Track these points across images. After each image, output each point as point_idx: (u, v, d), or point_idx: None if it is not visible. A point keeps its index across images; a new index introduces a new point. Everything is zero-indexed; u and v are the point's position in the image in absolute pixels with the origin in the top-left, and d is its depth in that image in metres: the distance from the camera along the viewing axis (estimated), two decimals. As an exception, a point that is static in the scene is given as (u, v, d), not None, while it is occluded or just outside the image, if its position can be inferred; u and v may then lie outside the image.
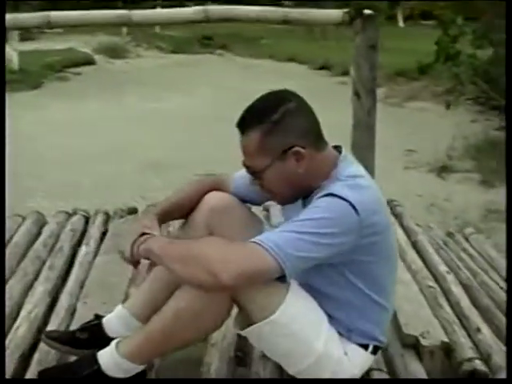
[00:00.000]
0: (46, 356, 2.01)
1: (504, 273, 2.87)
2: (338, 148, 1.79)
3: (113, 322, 1.97)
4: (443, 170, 5.73)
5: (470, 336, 2.20)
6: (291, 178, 1.69)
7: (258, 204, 2.10)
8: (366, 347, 1.80)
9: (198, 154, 5.90)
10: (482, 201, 4.93)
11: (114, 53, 11.06)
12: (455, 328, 2.22)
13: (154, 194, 4.72)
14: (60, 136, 6.52)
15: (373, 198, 1.67)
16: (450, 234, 3.41)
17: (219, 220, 1.88)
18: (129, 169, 5.55)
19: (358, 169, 1.73)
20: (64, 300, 2.38)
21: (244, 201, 1.98)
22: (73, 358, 1.95)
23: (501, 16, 6.35)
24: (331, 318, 1.76)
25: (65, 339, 1.95)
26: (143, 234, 1.77)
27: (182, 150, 6.07)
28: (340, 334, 1.76)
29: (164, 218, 1.94)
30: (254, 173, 1.72)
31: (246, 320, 1.71)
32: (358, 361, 1.78)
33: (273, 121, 1.65)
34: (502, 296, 2.57)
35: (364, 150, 3.10)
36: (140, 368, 1.77)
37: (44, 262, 2.72)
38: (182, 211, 1.97)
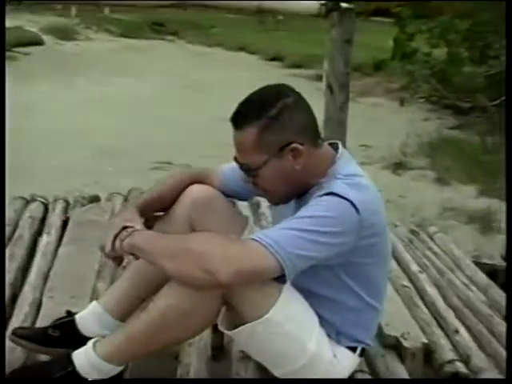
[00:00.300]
0: (10, 354, 1.87)
1: (468, 272, 2.89)
2: (334, 145, 1.73)
3: (87, 319, 1.86)
4: (398, 167, 5.77)
5: (448, 337, 2.19)
6: (287, 175, 1.62)
7: (245, 199, 2.03)
8: (354, 349, 1.76)
9: (149, 140, 5.76)
10: (438, 198, 4.98)
11: (63, 34, 10.71)
12: (433, 329, 2.21)
13: (106, 179, 4.64)
14: (8, 118, 6.24)
15: (372, 197, 1.63)
16: (413, 232, 3.41)
17: (201, 213, 1.80)
18: (80, 154, 5.36)
19: (356, 167, 1.69)
20: (27, 293, 2.24)
21: (230, 195, 1.91)
22: (42, 357, 1.85)
23: (458, 16, 6.47)
24: (322, 321, 1.70)
25: (34, 337, 1.84)
26: (125, 227, 1.67)
27: (133, 136, 5.91)
28: (329, 336, 1.72)
29: (145, 211, 1.84)
30: (249, 170, 1.64)
31: (234, 320, 1.64)
32: (346, 363, 1.75)
33: (271, 116, 1.58)
34: (470, 295, 2.59)
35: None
36: (118, 370, 1.68)
37: (3, 251, 2.57)
38: (163, 204, 1.88)
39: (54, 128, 6.04)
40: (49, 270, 2.42)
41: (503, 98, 6.51)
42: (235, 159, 1.68)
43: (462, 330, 2.23)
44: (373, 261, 1.67)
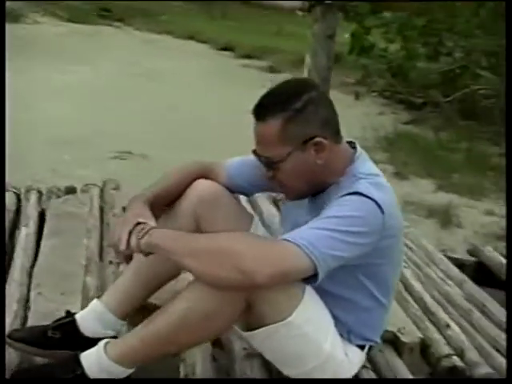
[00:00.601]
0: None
1: (442, 266, 2.95)
2: (351, 143, 1.73)
3: (88, 319, 1.79)
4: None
5: (440, 331, 2.23)
6: (308, 170, 1.60)
7: (249, 195, 2.01)
8: (362, 347, 1.77)
9: (105, 129, 5.62)
10: (397, 192, 5.03)
11: (9, 17, 10.32)
12: (427, 324, 2.25)
13: (63, 168, 4.51)
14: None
15: (392, 198, 1.63)
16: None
17: (207, 209, 1.77)
18: (34, 142, 5.18)
19: (374, 166, 1.68)
20: (14, 290, 2.14)
21: (235, 191, 1.87)
22: (38, 359, 1.77)
23: (415, 13, 6.59)
24: (336, 320, 1.70)
25: (32, 339, 1.75)
26: (138, 223, 1.62)
27: (89, 125, 5.73)
28: (341, 335, 1.71)
29: (152, 206, 1.78)
30: (270, 163, 1.61)
31: (251, 320, 1.60)
32: (356, 360, 1.75)
33: (296, 108, 1.56)
34: (449, 290, 2.64)
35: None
36: (128, 372, 1.62)
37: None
38: (169, 198, 1.83)
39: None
40: (32, 265, 2.33)
41: (457, 93, 6.71)
42: (254, 152, 1.64)
43: (453, 325, 2.27)
44: (387, 261, 1.66)
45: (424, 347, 2.12)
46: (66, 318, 1.81)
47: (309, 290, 1.61)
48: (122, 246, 1.58)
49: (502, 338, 2.23)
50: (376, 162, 1.68)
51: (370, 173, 1.62)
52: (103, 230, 2.68)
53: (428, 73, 6.93)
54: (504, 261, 3.05)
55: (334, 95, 7.86)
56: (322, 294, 1.67)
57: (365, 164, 1.66)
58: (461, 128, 6.64)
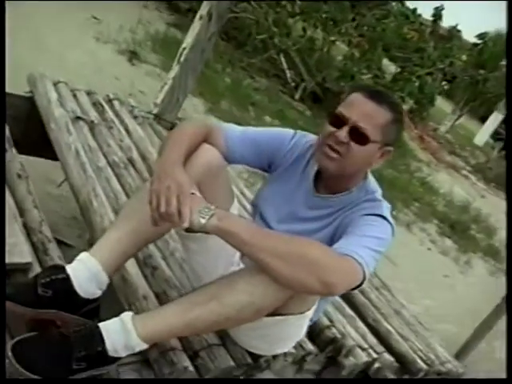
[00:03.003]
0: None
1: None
2: None
3: (83, 278, 1.55)
4: (133, 57, 5.67)
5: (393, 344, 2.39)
6: (364, 162, 1.71)
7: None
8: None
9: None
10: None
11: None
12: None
13: None
14: None
15: None
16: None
17: (210, 178, 1.69)
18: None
19: (376, 183, 1.82)
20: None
21: (228, 161, 1.81)
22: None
23: None
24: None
25: (22, 298, 1.48)
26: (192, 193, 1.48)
27: None
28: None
29: None
30: (359, 135, 1.65)
31: (275, 311, 1.59)
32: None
33: (399, 119, 1.72)
34: (375, 295, 2.73)
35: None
36: (145, 347, 1.49)
37: None
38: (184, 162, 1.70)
39: None
40: None
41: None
42: (347, 120, 1.65)
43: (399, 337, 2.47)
44: None
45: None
46: (56, 272, 1.60)
47: None
48: (185, 224, 1.44)
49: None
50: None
51: (376, 190, 1.77)
52: None
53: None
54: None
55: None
56: None
57: (371, 180, 1.80)
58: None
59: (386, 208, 1.72)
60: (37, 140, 2.51)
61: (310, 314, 1.71)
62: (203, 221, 1.44)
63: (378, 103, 1.67)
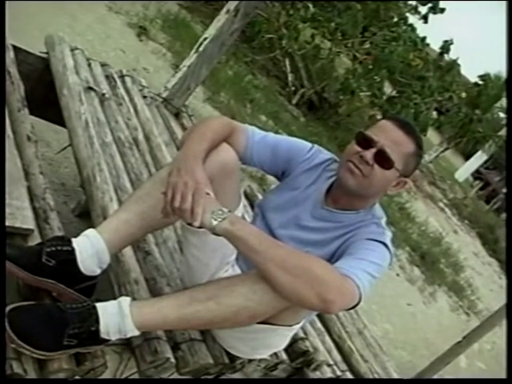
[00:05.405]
0: None
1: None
2: None
3: (88, 255, 1.56)
4: (143, 33, 5.65)
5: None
6: (380, 186, 1.76)
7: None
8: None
9: None
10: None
11: None
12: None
13: None
14: None
15: None
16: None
17: (224, 177, 1.71)
18: None
19: (381, 209, 1.87)
20: None
21: (244, 162, 1.85)
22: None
23: None
24: None
25: (26, 263, 1.49)
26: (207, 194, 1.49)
27: None
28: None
29: None
30: (384, 159, 1.71)
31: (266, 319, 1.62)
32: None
33: (420, 154, 1.79)
34: (342, 312, 2.68)
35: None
36: (137, 333, 1.50)
37: None
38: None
39: None
40: None
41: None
42: (375, 143, 1.71)
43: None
44: None
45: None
46: (62, 244, 1.59)
47: None
48: (197, 223, 1.46)
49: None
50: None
51: (382, 217, 1.81)
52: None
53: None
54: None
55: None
56: None
57: (378, 207, 1.85)
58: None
59: (388, 236, 1.76)
60: (42, 101, 2.49)
61: (297, 327, 1.75)
62: (215, 222, 1.45)
63: (406, 133, 1.73)
